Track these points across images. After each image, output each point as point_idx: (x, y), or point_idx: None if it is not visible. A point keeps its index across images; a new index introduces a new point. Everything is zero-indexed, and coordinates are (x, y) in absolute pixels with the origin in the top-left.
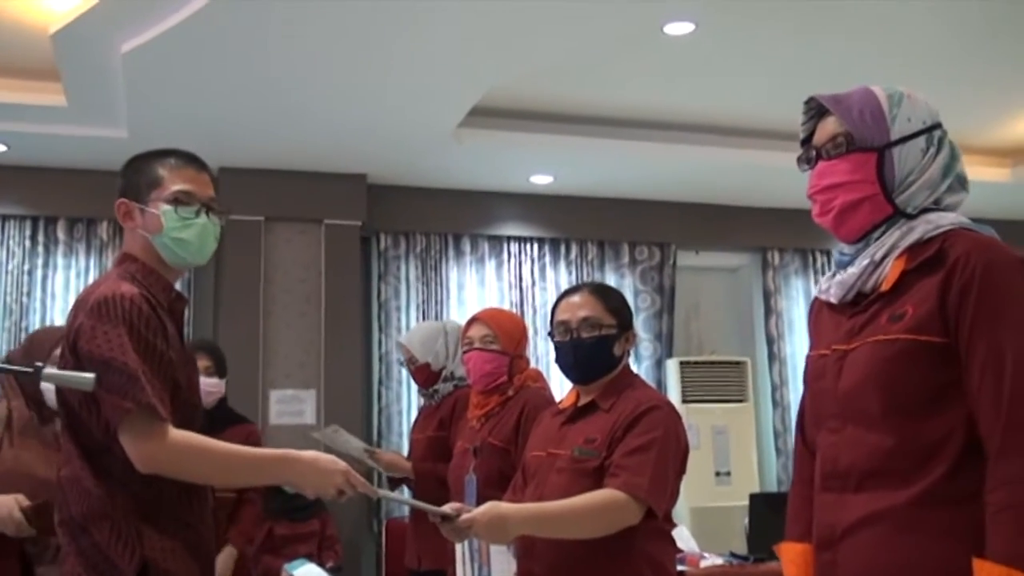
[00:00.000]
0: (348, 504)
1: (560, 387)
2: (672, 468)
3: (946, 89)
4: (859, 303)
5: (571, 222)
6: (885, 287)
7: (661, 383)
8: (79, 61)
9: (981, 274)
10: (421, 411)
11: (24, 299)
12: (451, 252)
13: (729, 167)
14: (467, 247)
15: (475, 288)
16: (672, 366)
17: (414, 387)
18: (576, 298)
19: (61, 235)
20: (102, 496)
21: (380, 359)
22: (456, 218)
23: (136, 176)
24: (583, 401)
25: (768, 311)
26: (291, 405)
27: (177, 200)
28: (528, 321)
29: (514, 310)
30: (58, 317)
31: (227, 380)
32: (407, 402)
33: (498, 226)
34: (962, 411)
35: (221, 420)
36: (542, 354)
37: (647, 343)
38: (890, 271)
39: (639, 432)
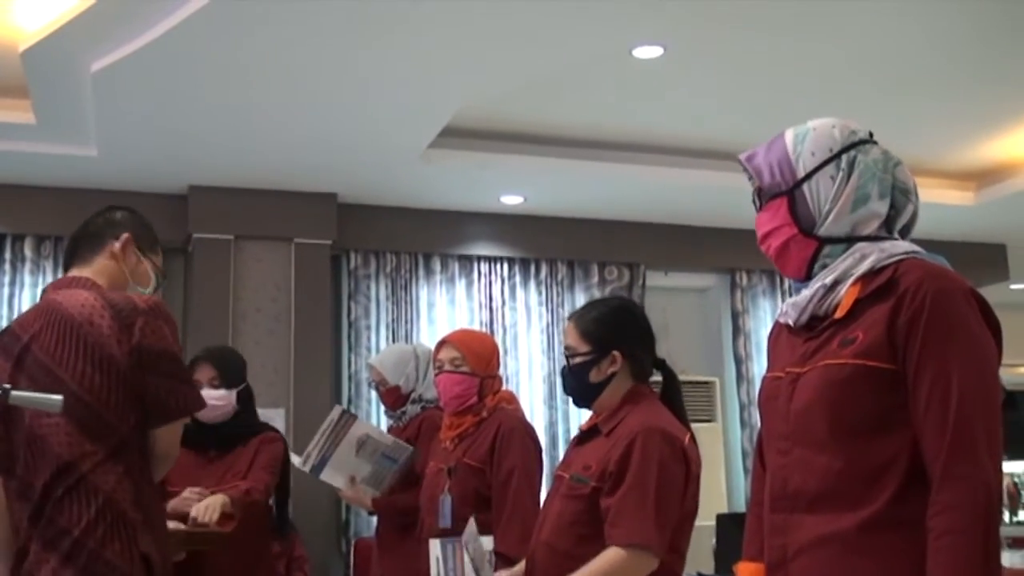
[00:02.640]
0: (317, 523)
1: (530, 409)
2: (671, 499)
3: (911, 113)
4: (814, 327)
5: (541, 242)
6: (839, 314)
7: None
8: (49, 79)
9: (931, 303)
10: (388, 432)
11: None
12: (421, 271)
13: (698, 188)
14: (437, 266)
15: (445, 307)
16: None
17: (383, 406)
18: (566, 325)
19: (28, 252)
20: (105, 496)
21: (350, 378)
22: (427, 237)
23: (145, 229)
24: (590, 424)
25: (736, 331)
26: None
27: (161, 275)
28: (498, 341)
29: (484, 330)
30: None
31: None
32: (376, 421)
33: (468, 246)
34: (907, 435)
35: (234, 437)
36: (511, 374)
37: None
38: (844, 298)
39: (633, 469)
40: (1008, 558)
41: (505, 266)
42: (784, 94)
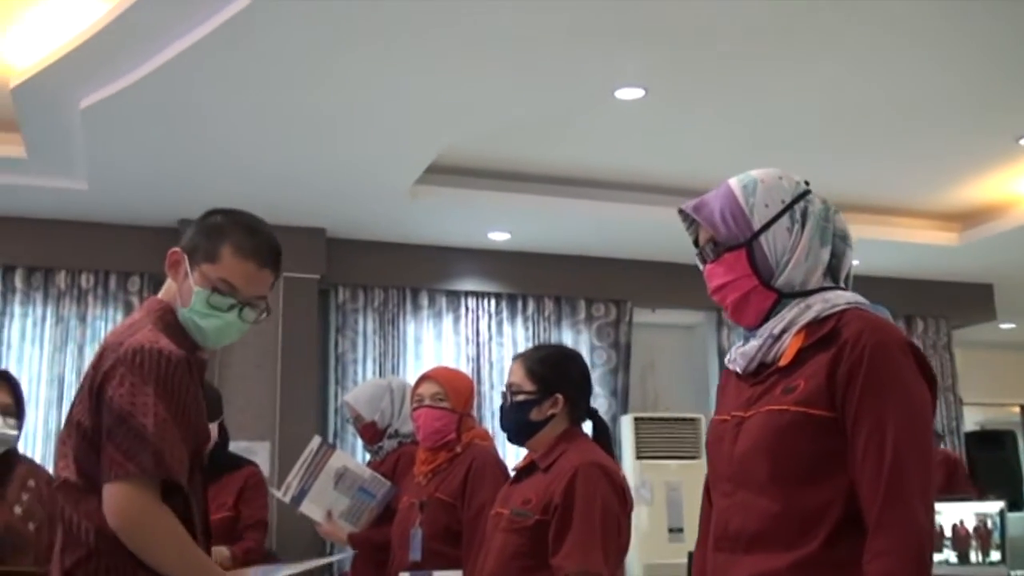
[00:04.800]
0: (302, 557)
1: (505, 446)
2: (613, 529)
3: (893, 155)
4: (760, 373)
5: (528, 278)
6: (783, 362)
7: (616, 439)
8: (39, 115)
9: (870, 354)
10: (367, 466)
11: None
12: (409, 306)
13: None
14: (425, 301)
15: (432, 342)
16: (627, 422)
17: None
18: (512, 364)
19: (19, 284)
20: (99, 541)
21: (336, 411)
22: (414, 273)
23: (202, 236)
24: (527, 462)
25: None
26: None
27: (216, 289)
28: (485, 376)
29: (471, 365)
30: (13, 365)
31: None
32: (361, 455)
33: (456, 281)
34: (843, 482)
35: (216, 468)
36: (497, 409)
37: (602, 399)
38: (788, 347)
39: (579, 502)
40: None
41: (492, 301)
42: (764, 133)
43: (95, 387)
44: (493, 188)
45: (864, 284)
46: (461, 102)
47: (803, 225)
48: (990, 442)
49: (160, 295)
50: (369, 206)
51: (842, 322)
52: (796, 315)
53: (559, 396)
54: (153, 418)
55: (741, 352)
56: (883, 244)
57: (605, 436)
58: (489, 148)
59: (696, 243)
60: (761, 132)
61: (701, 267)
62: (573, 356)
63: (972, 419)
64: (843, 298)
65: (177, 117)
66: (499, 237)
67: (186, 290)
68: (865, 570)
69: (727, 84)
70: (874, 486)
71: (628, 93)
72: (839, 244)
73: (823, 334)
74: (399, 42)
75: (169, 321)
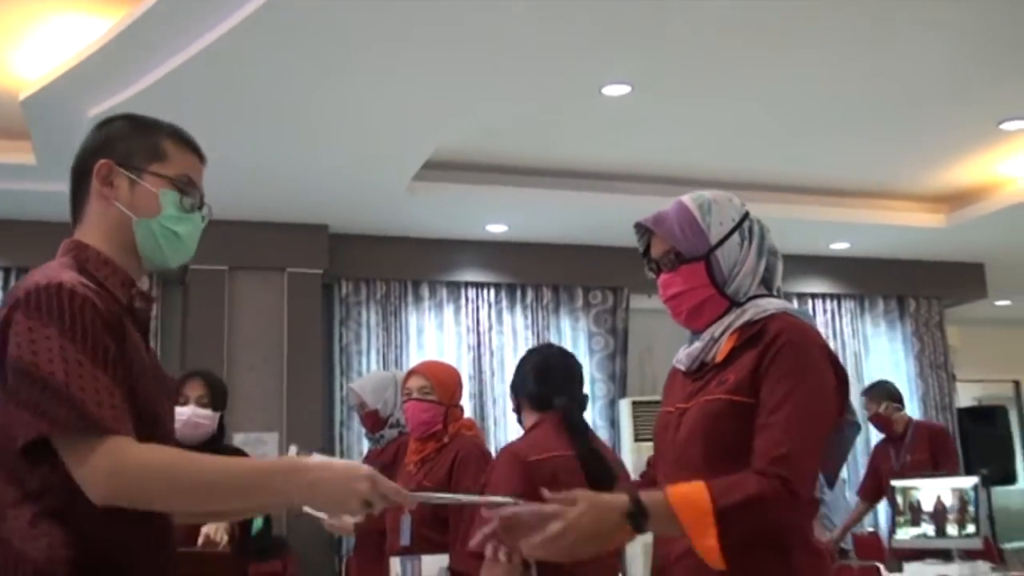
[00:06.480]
0: (310, 544)
1: (493, 436)
2: None
3: (881, 140)
4: (701, 370)
5: (526, 268)
6: (719, 359)
7: (615, 422)
8: (48, 124)
9: (785, 348)
10: (368, 454)
11: None
12: (410, 298)
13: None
14: (426, 293)
15: (434, 332)
16: (625, 406)
17: (363, 428)
18: None
19: None
20: (15, 552)
21: (341, 401)
22: (415, 265)
23: (131, 139)
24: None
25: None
26: (254, 447)
27: (180, 187)
28: (486, 364)
29: (472, 353)
30: None
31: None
32: (367, 444)
33: (456, 272)
34: None
35: None
36: (498, 396)
37: (601, 383)
38: (723, 346)
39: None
40: (958, 570)
41: (492, 291)
42: (748, 123)
43: (5, 354)
44: (489, 182)
45: (856, 266)
46: (455, 100)
47: (751, 242)
48: (982, 417)
49: (77, 235)
50: (369, 202)
51: (768, 324)
52: (733, 320)
53: (520, 399)
54: (63, 364)
55: (687, 353)
56: (872, 227)
57: (572, 425)
58: (484, 144)
59: (645, 253)
60: (745, 122)
61: (652, 276)
62: (523, 358)
63: (970, 394)
64: (773, 304)
65: (181, 124)
66: (497, 229)
67: (143, 198)
68: (732, 476)
69: (711, 77)
70: (766, 446)
71: (615, 90)
72: (771, 259)
73: (751, 334)
74: (394, 44)
75: (89, 258)
